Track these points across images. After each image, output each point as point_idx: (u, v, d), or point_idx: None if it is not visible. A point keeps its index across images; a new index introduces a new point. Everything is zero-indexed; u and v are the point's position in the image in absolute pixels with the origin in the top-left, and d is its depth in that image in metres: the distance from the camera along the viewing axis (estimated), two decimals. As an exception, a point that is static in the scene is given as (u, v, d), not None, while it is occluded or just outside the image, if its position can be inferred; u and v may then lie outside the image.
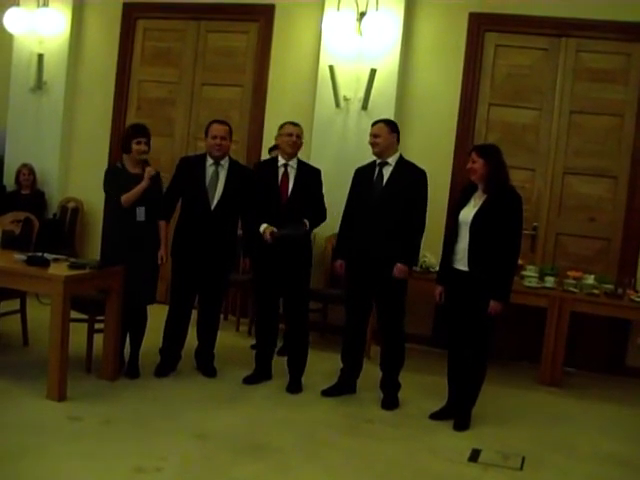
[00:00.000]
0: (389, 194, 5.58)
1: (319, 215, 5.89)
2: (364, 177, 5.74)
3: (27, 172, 8.34)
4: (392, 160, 5.64)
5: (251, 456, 4.62)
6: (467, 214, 5.22)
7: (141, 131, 5.78)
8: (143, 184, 5.64)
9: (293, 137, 5.75)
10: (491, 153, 5.24)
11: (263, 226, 5.66)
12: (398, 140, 5.72)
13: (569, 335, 6.55)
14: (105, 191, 5.78)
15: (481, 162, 5.18)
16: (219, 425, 5.05)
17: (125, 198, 5.62)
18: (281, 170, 5.79)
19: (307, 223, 5.68)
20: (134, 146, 5.70)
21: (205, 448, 4.67)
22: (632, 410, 6.17)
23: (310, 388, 5.88)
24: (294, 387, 5.88)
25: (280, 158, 5.82)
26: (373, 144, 5.64)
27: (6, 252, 5.85)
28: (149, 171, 5.67)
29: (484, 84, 7.50)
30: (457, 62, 7.48)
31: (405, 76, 7.55)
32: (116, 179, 5.73)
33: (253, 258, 5.95)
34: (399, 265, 5.53)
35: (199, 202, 5.81)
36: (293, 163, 5.81)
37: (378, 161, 5.68)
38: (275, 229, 5.60)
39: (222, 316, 7.10)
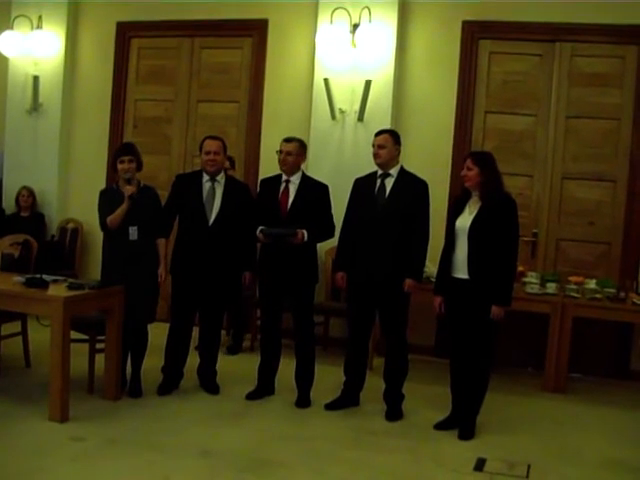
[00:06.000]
0: (392, 206, 5.55)
1: (324, 230, 5.85)
2: (365, 188, 5.71)
3: (27, 194, 8.36)
4: (394, 171, 5.62)
5: (255, 472, 4.59)
6: (464, 222, 5.22)
7: (124, 150, 5.82)
8: (123, 206, 5.64)
9: (282, 155, 5.77)
10: (485, 161, 5.24)
11: (258, 229, 5.69)
12: (400, 151, 5.70)
13: (572, 341, 6.53)
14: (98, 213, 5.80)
15: (476, 170, 5.18)
16: (223, 442, 5.02)
17: (109, 220, 5.65)
18: (283, 185, 5.81)
19: (304, 232, 5.64)
20: (118, 165, 5.73)
21: (209, 465, 4.65)
22: (638, 415, 6.14)
23: (314, 402, 5.86)
24: (303, 402, 5.86)
25: (283, 174, 5.84)
26: (377, 155, 5.61)
27: (5, 275, 5.85)
28: (128, 190, 5.65)
29: (479, 92, 7.51)
30: (452, 71, 7.50)
31: (400, 86, 7.56)
32: (108, 200, 5.75)
33: (257, 273, 5.96)
34: (409, 281, 5.52)
35: (197, 218, 5.81)
36: (295, 179, 5.81)
37: (379, 172, 5.65)
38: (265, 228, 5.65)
39: (224, 332, 7.10)
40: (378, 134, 5.69)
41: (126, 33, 8.53)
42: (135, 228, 5.69)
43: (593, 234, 7.30)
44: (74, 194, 8.73)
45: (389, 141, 5.60)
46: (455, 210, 5.39)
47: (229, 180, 5.98)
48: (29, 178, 8.49)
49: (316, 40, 7.54)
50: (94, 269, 7.92)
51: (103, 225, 5.73)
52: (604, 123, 7.26)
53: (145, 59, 8.58)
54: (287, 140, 5.82)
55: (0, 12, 8.63)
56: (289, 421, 5.53)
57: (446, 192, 7.38)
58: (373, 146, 5.63)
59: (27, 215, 8.36)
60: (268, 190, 5.89)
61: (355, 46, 7.39)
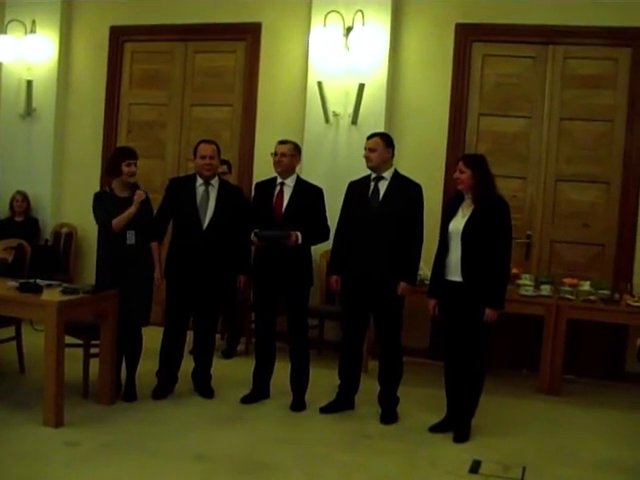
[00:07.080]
0: (386, 209, 5.55)
1: (318, 233, 5.85)
2: (359, 192, 5.71)
3: (21, 199, 8.35)
4: (387, 174, 5.62)
5: (251, 476, 4.59)
6: (457, 225, 5.23)
7: (131, 154, 5.78)
8: (132, 209, 5.64)
9: (277, 156, 5.78)
10: (478, 163, 5.24)
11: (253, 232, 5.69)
12: (393, 154, 5.69)
13: (567, 342, 6.52)
14: (94, 216, 5.78)
15: (468, 173, 5.18)
16: (218, 446, 5.01)
17: (115, 223, 5.62)
18: (277, 188, 5.81)
19: (298, 234, 5.64)
20: (124, 168, 5.69)
21: (204, 469, 4.64)
22: (633, 416, 6.14)
23: (309, 405, 5.85)
24: (298, 405, 5.85)
25: (278, 177, 5.84)
26: (367, 158, 5.61)
27: (-1, 280, 5.84)
28: (139, 195, 5.68)
29: (473, 94, 7.51)
30: (445, 74, 7.50)
31: (394, 90, 7.56)
32: (104, 204, 5.73)
33: (251, 276, 5.96)
34: (402, 284, 5.53)
35: (191, 222, 5.81)
36: (290, 181, 5.81)
37: (373, 175, 5.66)
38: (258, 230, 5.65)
39: (219, 335, 7.08)
40: (369, 137, 5.70)
41: (120, 37, 8.52)
42: (132, 232, 5.69)
43: (587, 236, 7.30)
44: (68, 199, 8.73)
45: (379, 144, 5.60)
46: (448, 213, 5.40)
47: (223, 184, 5.98)
48: (23, 183, 8.48)
49: (309, 43, 7.54)
50: (88, 273, 7.88)
51: (104, 226, 5.71)
52: (597, 125, 7.26)
53: (139, 63, 8.58)
54: (282, 142, 5.84)
55: (-7, 16, 8.64)
56: (284, 425, 5.53)
57: (440, 194, 7.37)
58: (365, 149, 5.64)
59: (21, 220, 8.34)
60: (263, 193, 5.90)
61: (348, 49, 7.39)
